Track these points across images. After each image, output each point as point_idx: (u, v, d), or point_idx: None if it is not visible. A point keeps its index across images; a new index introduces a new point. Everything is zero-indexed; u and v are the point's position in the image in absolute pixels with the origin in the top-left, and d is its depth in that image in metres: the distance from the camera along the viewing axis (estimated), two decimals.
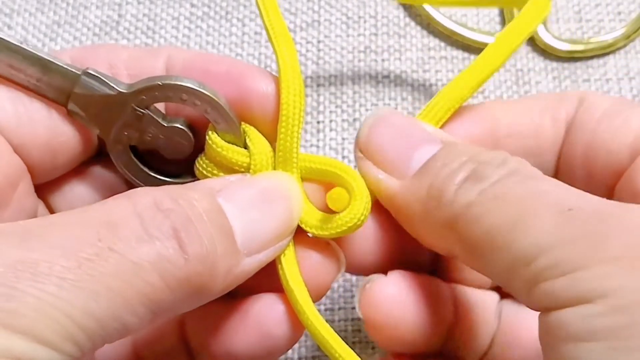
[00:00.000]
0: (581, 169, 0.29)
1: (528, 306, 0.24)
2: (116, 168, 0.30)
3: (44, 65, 0.28)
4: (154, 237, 0.23)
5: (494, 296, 0.32)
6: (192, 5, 0.49)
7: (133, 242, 0.23)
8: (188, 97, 0.28)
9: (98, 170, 0.31)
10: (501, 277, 0.25)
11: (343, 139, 0.46)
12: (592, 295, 0.21)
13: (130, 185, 0.30)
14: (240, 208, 0.26)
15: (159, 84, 0.28)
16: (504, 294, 0.32)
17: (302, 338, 0.34)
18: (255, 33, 0.48)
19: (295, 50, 0.30)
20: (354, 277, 0.43)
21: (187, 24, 0.49)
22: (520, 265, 0.23)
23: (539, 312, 0.23)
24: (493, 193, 0.25)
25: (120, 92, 0.28)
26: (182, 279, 0.24)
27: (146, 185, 0.30)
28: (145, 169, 0.30)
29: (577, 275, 0.22)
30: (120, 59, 0.30)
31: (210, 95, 0.28)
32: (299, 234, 0.30)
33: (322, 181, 0.30)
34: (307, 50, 0.48)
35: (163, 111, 0.30)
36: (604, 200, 0.24)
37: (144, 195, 0.25)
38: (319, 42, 0.48)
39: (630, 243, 0.22)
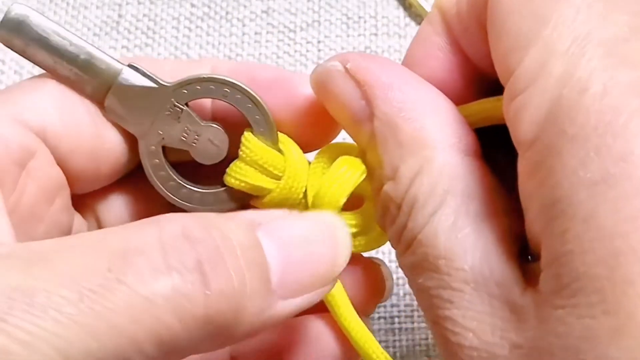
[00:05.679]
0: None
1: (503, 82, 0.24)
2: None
3: (90, 54, 0.28)
4: (172, 268, 0.21)
5: None
6: (192, 5, 0.49)
7: (147, 275, 0.21)
8: (230, 91, 0.28)
9: (145, 181, 0.30)
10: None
11: (343, 139, 0.46)
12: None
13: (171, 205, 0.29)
14: (281, 246, 0.24)
15: (203, 77, 0.29)
16: None
17: None
18: (256, 33, 0.48)
19: None
20: None
21: (187, 24, 0.49)
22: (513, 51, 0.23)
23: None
24: None
25: (163, 85, 0.29)
26: (200, 318, 0.21)
27: (171, 193, 0.30)
28: (174, 174, 0.30)
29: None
30: (164, 70, 0.29)
31: (253, 93, 0.29)
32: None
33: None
34: (307, 51, 0.48)
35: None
36: None
37: (172, 222, 0.23)
38: (319, 42, 0.48)
39: None
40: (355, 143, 0.28)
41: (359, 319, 0.28)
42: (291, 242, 0.25)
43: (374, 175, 0.26)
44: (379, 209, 0.26)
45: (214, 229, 0.23)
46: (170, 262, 0.21)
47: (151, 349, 0.21)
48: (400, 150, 0.25)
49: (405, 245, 0.25)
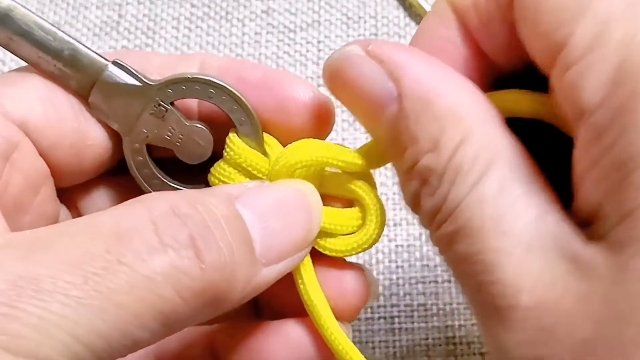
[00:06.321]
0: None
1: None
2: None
3: (74, 50, 0.28)
4: (168, 246, 0.22)
5: None
6: (192, 6, 0.49)
7: (144, 254, 0.22)
8: (215, 92, 0.28)
9: (129, 178, 0.30)
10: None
11: (343, 139, 0.46)
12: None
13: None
14: (259, 216, 0.25)
15: (188, 77, 0.28)
16: None
17: None
18: (256, 33, 0.48)
19: None
20: None
21: (187, 24, 0.49)
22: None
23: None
24: None
25: (147, 83, 0.28)
26: (197, 290, 0.23)
27: (155, 190, 0.29)
28: (158, 172, 0.30)
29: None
30: (153, 65, 0.29)
31: (238, 94, 0.28)
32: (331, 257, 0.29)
33: (333, 196, 0.30)
34: (307, 51, 0.48)
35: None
36: None
37: (159, 200, 0.24)
38: (319, 42, 0.48)
39: None
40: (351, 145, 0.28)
41: (338, 325, 0.28)
42: (269, 211, 0.26)
43: (405, 156, 0.26)
44: (412, 186, 0.26)
45: (199, 204, 0.24)
46: (164, 240, 0.22)
47: (154, 323, 0.22)
48: (438, 123, 0.24)
49: (446, 215, 0.24)
